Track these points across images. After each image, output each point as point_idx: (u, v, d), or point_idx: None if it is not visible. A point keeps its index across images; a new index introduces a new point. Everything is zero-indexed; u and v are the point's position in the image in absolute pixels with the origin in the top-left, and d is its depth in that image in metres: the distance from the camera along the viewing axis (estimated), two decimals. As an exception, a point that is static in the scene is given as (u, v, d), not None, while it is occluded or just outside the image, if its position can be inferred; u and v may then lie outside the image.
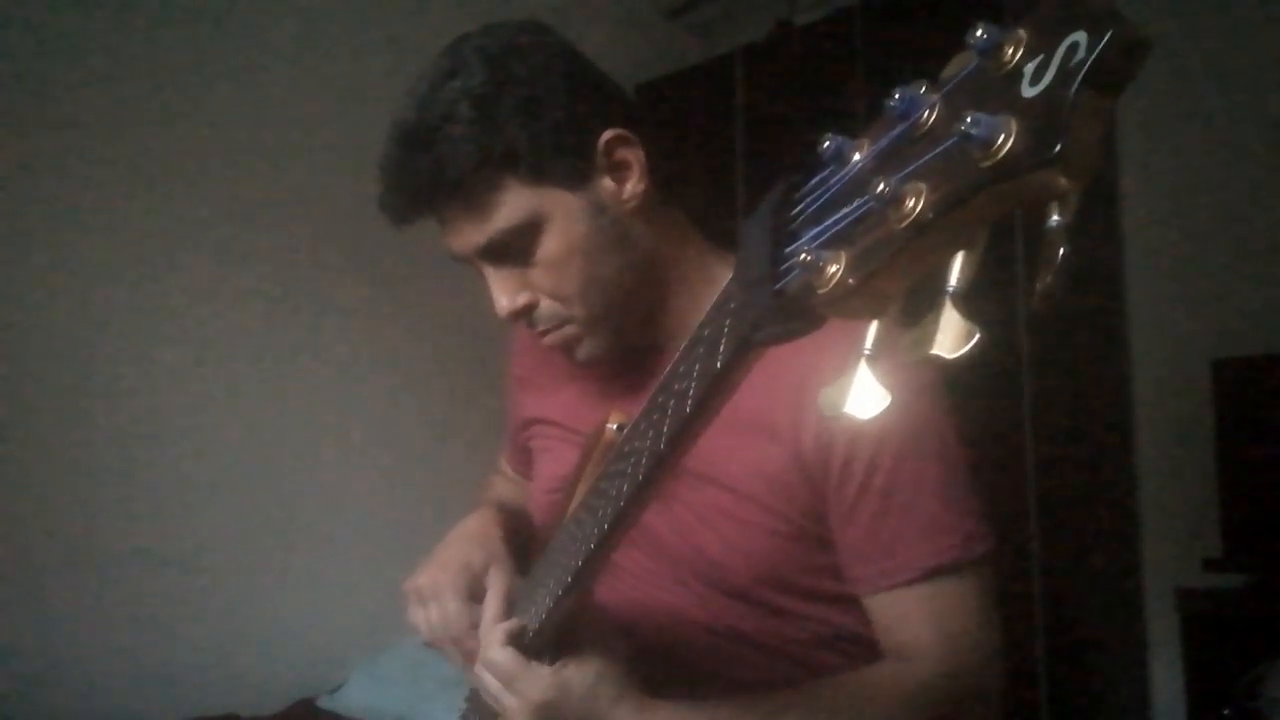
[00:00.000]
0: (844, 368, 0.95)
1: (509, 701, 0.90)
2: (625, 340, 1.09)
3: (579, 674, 0.88)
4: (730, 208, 3.38)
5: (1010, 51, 0.36)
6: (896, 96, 0.40)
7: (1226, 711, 2.33)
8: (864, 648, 1.04)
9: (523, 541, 1.20)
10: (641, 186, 1.04)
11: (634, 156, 1.04)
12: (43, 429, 2.47)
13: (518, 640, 0.92)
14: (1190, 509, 2.67)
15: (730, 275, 1.10)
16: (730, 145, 3.47)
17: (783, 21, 3.56)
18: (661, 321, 1.11)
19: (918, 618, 0.98)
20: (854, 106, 3.07)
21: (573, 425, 1.18)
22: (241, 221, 2.84)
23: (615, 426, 1.00)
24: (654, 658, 0.96)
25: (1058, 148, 0.33)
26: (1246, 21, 2.71)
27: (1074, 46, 0.33)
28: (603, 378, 1.16)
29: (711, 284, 1.11)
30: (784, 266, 0.47)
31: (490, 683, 0.93)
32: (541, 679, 0.88)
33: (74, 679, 2.44)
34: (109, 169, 2.60)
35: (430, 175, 0.98)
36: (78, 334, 2.54)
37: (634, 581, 1.09)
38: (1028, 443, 2.77)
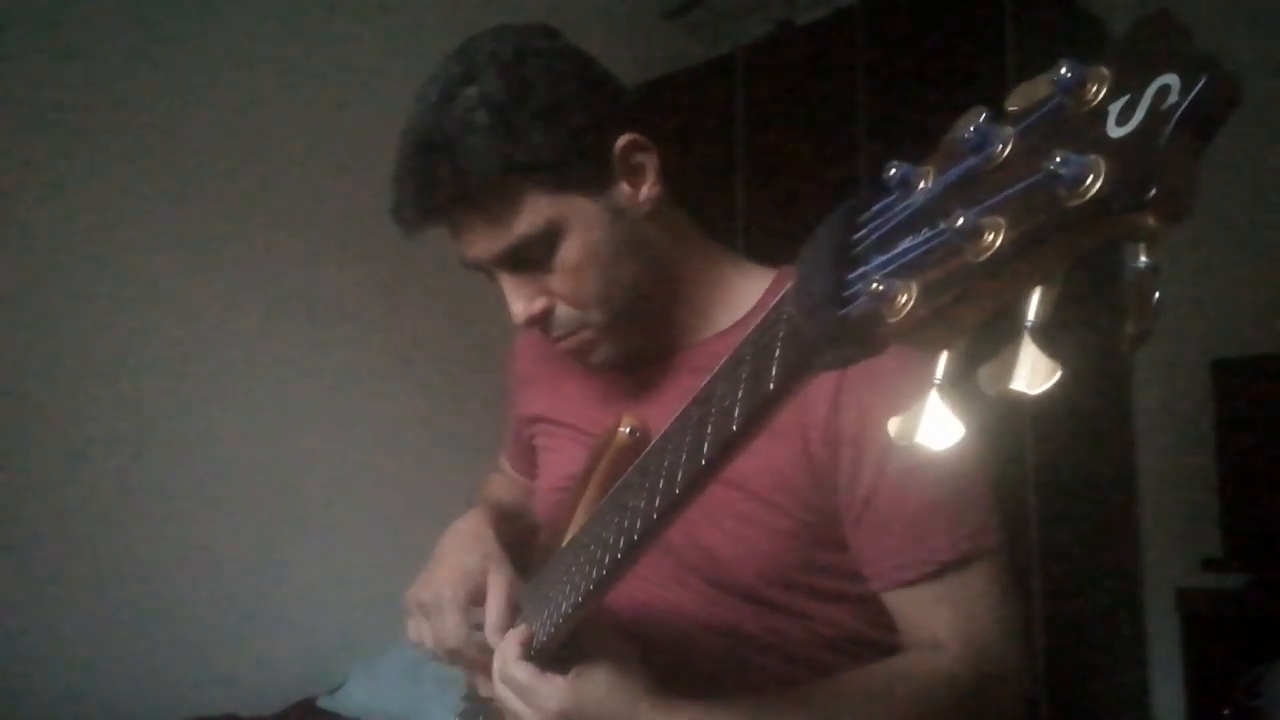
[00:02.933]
0: (846, 369, 0.95)
1: (527, 714, 0.90)
2: (639, 343, 1.09)
3: (593, 680, 0.88)
4: (730, 208, 3.39)
5: (1094, 90, 0.36)
6: (971, 129, 0.40)
7: (1226, 711, 2.34)
8: (866, 648, 1.05)
9: (519, 540, 1.19)
10: (656, 190, 1.05)
11: (649, 160, 1.05)
12: (42, 429, 2.46)
13: (529, 650, 0.92)
14: (1190, 509, 2.68)
15: (734, 274, 1.11)
16: (730, 145, 3.46)
17: (783, 21, 3.55)
18: (672, 323, 1.12)
19: (938, 611, 0.98)
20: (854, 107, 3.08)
21: (580, 424, 1.19)
22: (244, 223, 2.83)
23: (627, 430, 1.00)
24: (655, 657, 0.95)
25: (1153, 192, 0.33)
26: (1246, 20, 2.72)
27: (1165, 89, 0.33)
28: (612, 378, 1.16)
29: (718, 285, 1.12)
30: (848, 293, 0.47)
31: (507, 696, 0.93)
32: (558, 690, 0.88)
33: (74, 679, 2.43)
34: (112, 169, 2.59)
35: (451, 184, 0.97)
36: (77, 334, 2.53)
37: (635, 580, 1.08)
38: (1028, 443, 2.78)
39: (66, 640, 2.44)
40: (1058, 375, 0.37)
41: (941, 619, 0.98)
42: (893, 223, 0.46)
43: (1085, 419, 2.86)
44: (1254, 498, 2.52)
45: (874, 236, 0.47)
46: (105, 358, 2.57)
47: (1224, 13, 2.73)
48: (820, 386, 0.98)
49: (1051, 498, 2.76)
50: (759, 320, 0.61)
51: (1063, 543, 2.76)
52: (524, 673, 0.90)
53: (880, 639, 1.04)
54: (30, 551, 2.40)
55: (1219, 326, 2.71)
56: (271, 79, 2.90)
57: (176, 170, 2.71)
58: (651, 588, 1.08)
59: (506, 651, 0.92)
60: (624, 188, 1.03)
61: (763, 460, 1.00)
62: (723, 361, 0.65)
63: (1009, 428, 2.78)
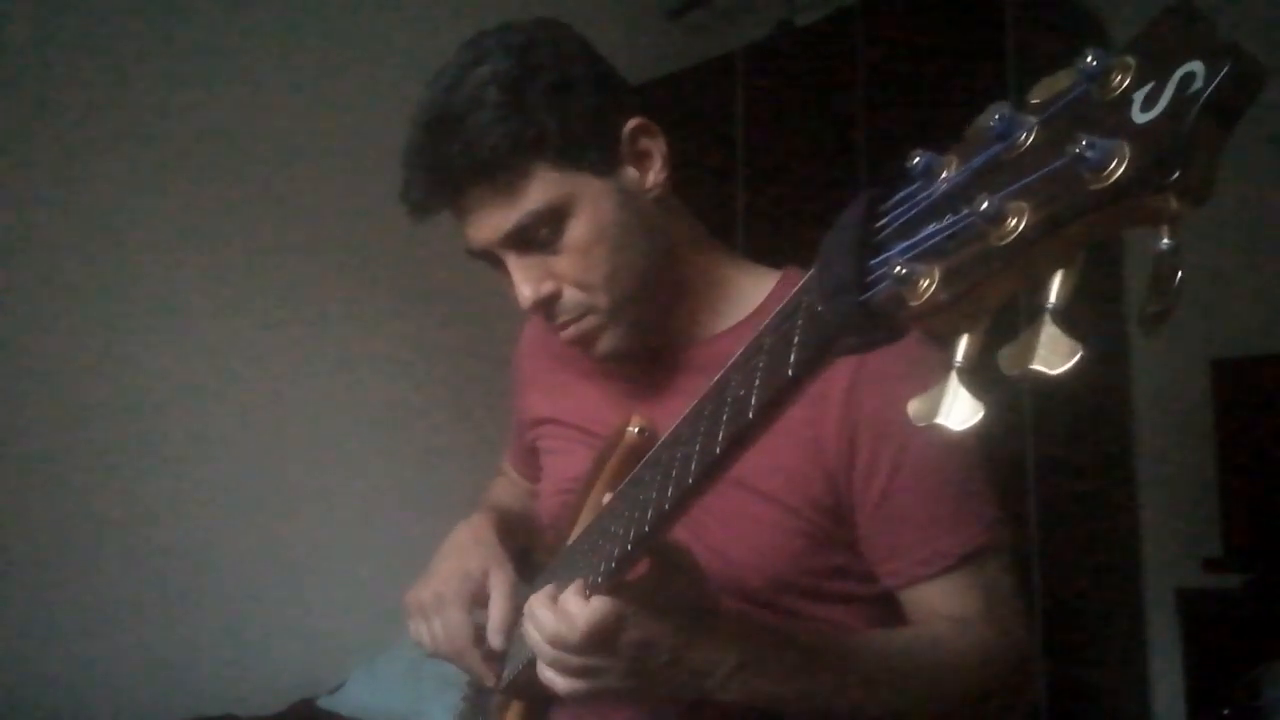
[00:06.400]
0: (861, 365, 0.96)
1: (604, 652, 0.82)
2: (644, 335, 1.09)
3: (671, 603, 0.83)
4: (730, 208, 3.39)
5: (1118, 78, 0.37)
6: (996, 117, 0.41)
7: (1226, 711, 2.34)
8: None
9: (522, 543, 1.19)
10: (663, 176, 1.06)
11: (656, 146, 1.06)
12: (44, 428, 2.46)
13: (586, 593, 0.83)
14: (1190, 509, 2.68)
15: (737, 273, 1.12)
16: (730, 145, 3.47)
17: (783, 21, 3.57)
18: (677, 319, 1.12)
19: (961, 599, 0.99)
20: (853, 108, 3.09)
21: (586, 426, 1.18)
22: (246, 224, 2.84)
23: (636, 429, 1.00)
24: None
25: (1176, 174, 0.34)
26: (1246, 20, 2.72)
27: (1189, 76, 0.34)
28: (617, 378, 1.16)
29: (722, 281, 1.12)
30: (870, 278, 0.48)
31: (569, 648, 0.83)
32: (644, 617, 0.81)
33: (74, 679, 2.43)
34: (115, 169, 2.59)
35: (460, 159, 0.97)
36: (80, 333, 2.53)
37: None
38: (1028, 443, 2.78)
39: (66, 640, 2.44)
40: (1079, 355, 0.38)
41: (966, 605, 0.99)
42: (915, 210, 0.46)
43: (1085, 418, 2.86)
44: (1254, 498, 2.53)
45: (897, 223, 0.47)
46: (106, 356, 2.57)
47: (1226, 17, 2.74)
48: (833, 384, 0.99)
49: (1051, 497, 2.77)
50: (776, 311, 0.61)
51: (1063, 542, 2.77)
52: (600, 605, 0.80)
53: None
54: (30, 551, 2.40)
55: (1219, 326, 2.71)
56: (277, 77, 2.91)
57: (181, 169, 2.72)
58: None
59: (569, 599, 0.83)
60: (631, 172, 1.04)
61: (774, 460, 1.00)
62: (738, 353, 0.65)
63: (1009, 427, 2.79)
